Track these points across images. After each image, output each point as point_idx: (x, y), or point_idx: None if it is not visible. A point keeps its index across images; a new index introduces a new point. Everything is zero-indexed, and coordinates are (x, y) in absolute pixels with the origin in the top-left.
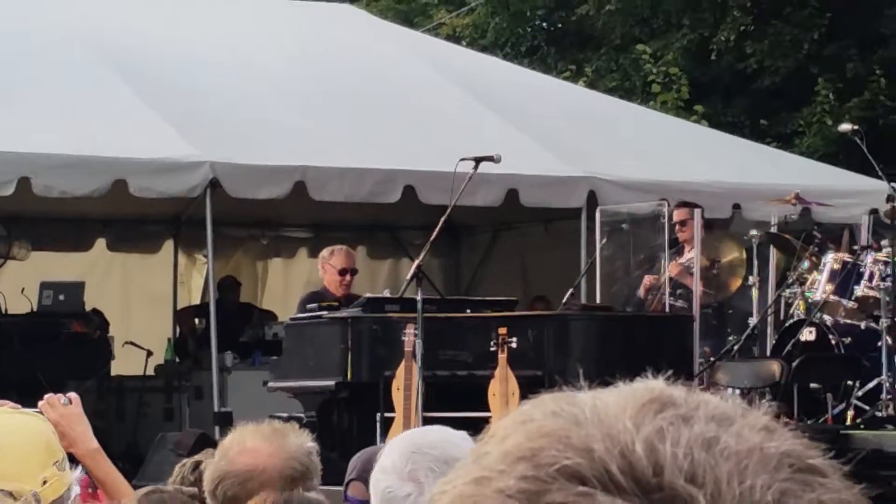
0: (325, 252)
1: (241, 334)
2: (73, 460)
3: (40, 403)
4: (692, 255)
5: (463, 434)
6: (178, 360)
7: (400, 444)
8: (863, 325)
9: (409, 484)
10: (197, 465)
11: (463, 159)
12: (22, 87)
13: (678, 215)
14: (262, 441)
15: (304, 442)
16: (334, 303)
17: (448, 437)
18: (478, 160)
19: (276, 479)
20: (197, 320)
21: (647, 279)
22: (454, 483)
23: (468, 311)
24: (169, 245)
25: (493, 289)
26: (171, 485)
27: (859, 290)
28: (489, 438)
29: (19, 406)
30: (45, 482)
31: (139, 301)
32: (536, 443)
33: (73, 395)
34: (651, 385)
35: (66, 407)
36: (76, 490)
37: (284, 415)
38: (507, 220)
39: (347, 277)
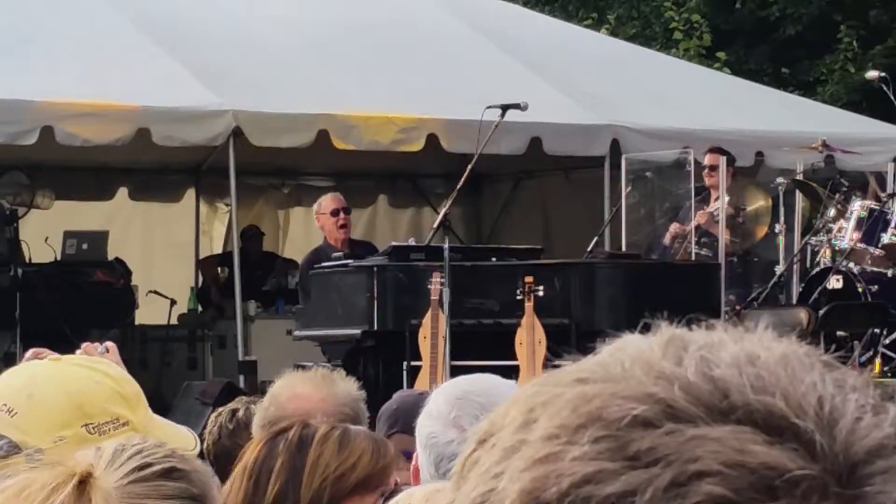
0: (313, 207)
1: (264, 283)
2: None
3: (77, 352)
4: (718, 204)
5: (512, 383)
6: (201, 309)
7: (447, 391)
8: (889, 272)
9: (453, 430)
10: (233, 413)
11: (489, 107)
12: (44, 36)
13: (709, 160)
14: (312, 387)
15: (352, 389)
16: (339, 254)
17: (496, 385)
18: (504, 108)
19: None
20: (220, 269)
21: (674, 227)
22: (511, 475)
23: (494, 259)
24: (191, 194)
25: (515, 237)
26: (206, 434)
27: (886, 238)
28: (518, 426)
29: (53, 354)
30: (59, 440)
31: (161, 250)
32: (589, 406)
33: (109, 343)
34: (650, 335)
35: (102, 356)
36: None
37: (310, 363)
38: (529, 168)
39: (342, 216)
